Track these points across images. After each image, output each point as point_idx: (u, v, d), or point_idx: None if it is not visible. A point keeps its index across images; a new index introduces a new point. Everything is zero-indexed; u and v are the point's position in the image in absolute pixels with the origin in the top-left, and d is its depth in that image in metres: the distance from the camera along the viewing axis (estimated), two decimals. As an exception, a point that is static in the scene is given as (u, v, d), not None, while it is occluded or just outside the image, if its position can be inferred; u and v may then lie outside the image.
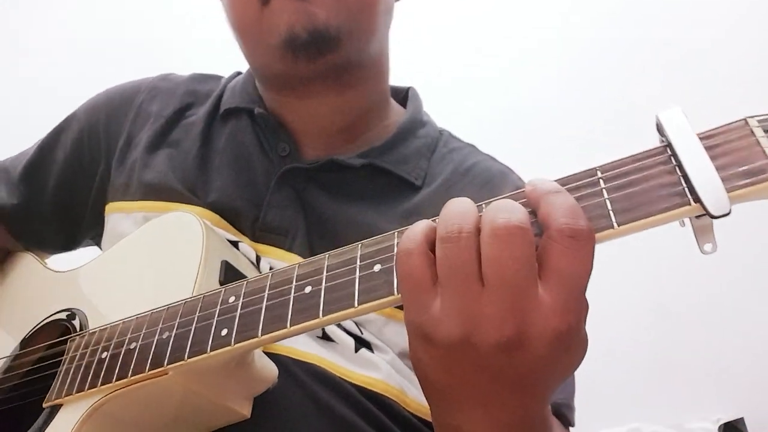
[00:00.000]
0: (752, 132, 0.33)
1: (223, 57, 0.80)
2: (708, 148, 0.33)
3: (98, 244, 0.76)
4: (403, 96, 0.75)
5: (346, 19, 0.59)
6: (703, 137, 0.34)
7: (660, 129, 0.35)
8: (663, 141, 0.35)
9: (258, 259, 0.58)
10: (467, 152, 0.70)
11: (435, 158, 0.68)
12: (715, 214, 0.31)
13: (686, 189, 0.32)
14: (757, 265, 1.53)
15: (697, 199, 0.32)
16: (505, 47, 1.76)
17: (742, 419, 1.48)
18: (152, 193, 0.64)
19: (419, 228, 0.36)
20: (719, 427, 1.46)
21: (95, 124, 0.73)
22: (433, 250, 0.35)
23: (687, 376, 1.54)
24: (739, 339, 1.52)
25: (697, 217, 0.33)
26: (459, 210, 0.35)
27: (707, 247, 0.35)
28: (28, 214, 0.73)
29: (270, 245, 0.59)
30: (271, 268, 0.57)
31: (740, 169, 0.32)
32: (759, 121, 0.33)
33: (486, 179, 0.66)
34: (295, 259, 0.58)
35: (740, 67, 1.58)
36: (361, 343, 0.57)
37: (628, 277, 1.49)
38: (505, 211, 0.33)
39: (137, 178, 0.66)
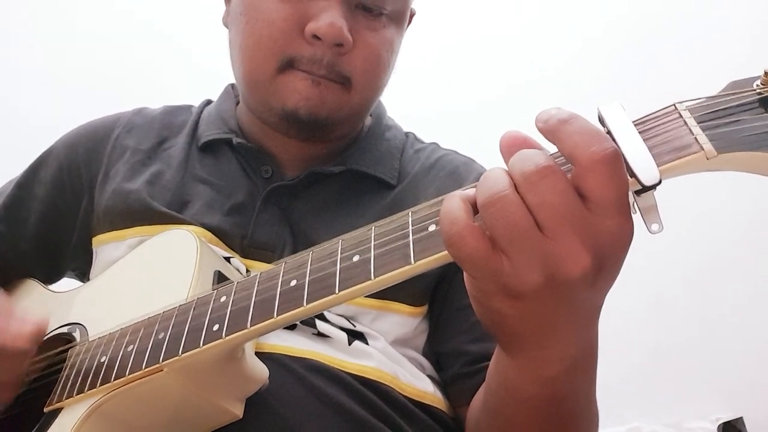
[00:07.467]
0: (680, 115, 0.37)
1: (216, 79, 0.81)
2: (642, 132, 0.37)
3: (82, 276, 0.78)
4: None
5: (348, 114, 0.65)
6: (638, 123, 0.38)
7: (601, 120, 0.39)
8: (605, 130, 0.39)
9: (248, 273, 0.62)
10: (431, 149, 0.76)
11: (404, 158, 0.73)
12: (647, 184, 0.35)
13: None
14: (755, 264, 1.54)
15: (632, 174, 0.35)
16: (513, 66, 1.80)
17: (741, 419, 1.47)
18: (143, 219, 0.66)
19: (456, 205, 0.36)
20: (718, 427, 1.46)
21: (74, 159, 0.75)
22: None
23: (686, 375, 1.54)
24: (738, 338, 1.52)
25: (638, 193, 0.37)
26: (490, 176, 0.36)
27: (654, 227, 0.38)
28: (11, 253, 0.74)
29: (259, 261, 0.63)
30: None
31: (670, 146, 0.36)
32: (687, 106, 0.38)
33: (451, 170, 0.71)
34: None
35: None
36: (354, 335, 0.60)
37: (627, 276, 1.48)
38: (528, 158, 0.35)
39: (122, 208, 0.68)
